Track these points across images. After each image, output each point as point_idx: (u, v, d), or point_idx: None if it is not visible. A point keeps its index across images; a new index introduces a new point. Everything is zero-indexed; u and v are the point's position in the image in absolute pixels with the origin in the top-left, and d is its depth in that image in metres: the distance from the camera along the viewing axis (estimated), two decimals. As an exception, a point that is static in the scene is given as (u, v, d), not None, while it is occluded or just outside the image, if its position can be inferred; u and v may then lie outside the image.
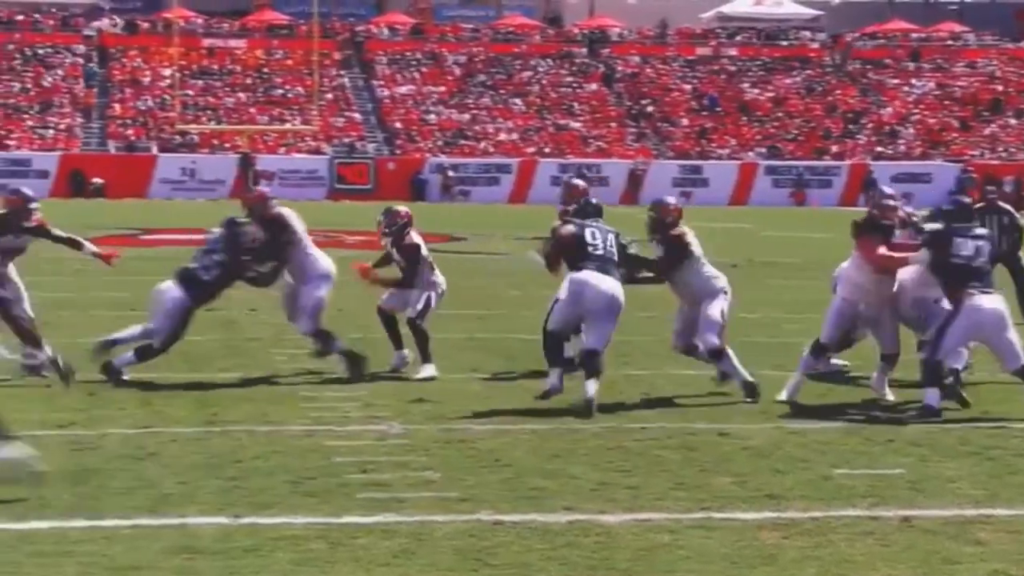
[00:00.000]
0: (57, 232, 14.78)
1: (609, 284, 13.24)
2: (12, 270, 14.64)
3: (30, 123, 65.29)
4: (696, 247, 13.82)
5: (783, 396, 13.37)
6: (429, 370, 14.58)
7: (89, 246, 14.99)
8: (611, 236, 13.61)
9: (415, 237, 15.05)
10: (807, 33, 79.86)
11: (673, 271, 13.76)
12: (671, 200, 14.36)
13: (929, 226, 13.65)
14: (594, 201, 14.33)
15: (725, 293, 13.79)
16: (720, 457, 10.95)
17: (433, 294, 14.94)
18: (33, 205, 14.60)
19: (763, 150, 67.96)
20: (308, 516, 8.96)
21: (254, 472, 10.18)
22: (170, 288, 14.36)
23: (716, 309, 13.63)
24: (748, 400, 13.34)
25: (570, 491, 9.79)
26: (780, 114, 71.39)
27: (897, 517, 9.15)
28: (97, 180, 59.94)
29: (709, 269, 13.90)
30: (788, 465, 10.66)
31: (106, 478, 9.96)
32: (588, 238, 13.45)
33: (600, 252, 13.38)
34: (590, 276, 13.21)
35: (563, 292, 13.29)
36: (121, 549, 8.19)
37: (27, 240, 14.54)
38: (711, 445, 11.39)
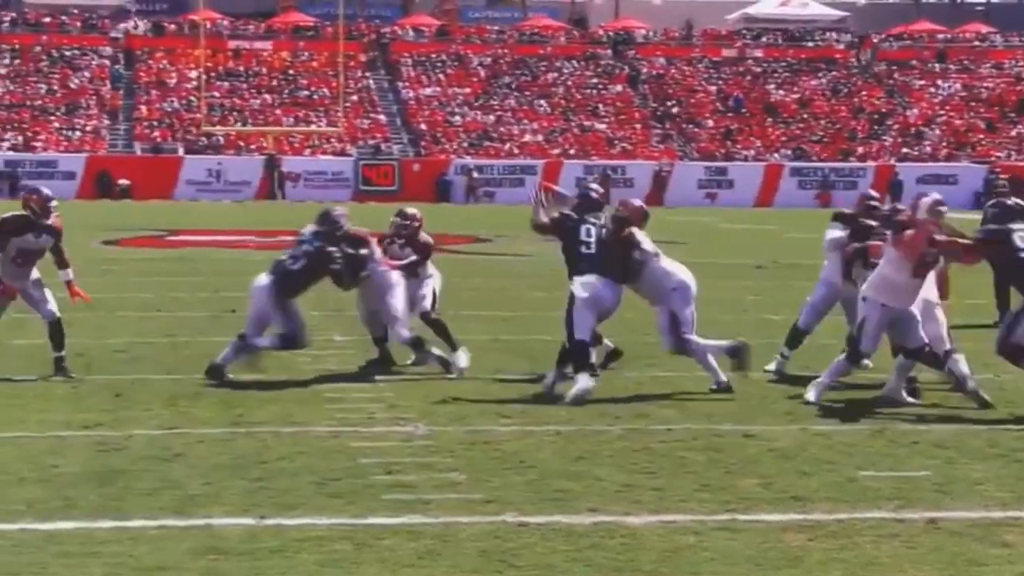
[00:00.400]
0: (62, 244, 14.77)
1: (616, 290, 13.72)
2: (35, 273, 14.67)
3: (57, 125, 65.52)
4: (647, 246, 13.85)
5: (810, 397, 13.33)
6: (464, 358, 14.86)
7: (69, 274, 14.83)
8: (602, 232, 13.81)
9: (427, 237, 15.58)
10: (833, 34, 79.75)
11: (619, 268, 13.83)
12: (635, 201, 14.53)
13: (986, 227, 13.82)
14: (594, 196, 14.44)
15: (678, 290, 13.81)
16: (745, 459, 10.92)
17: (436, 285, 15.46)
18: (52, 204, 14.65)
19: (788, 152, 67.87)
20: (333, 517, 8.96)
21: (279, 473, 10.20)
22: (261, 280, 14.53)
23: (667, 312, 13.81)
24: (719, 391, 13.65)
25: (595, 493, 9.78)
26: (805, 115, 71.29)
27: (923, 519, 9.12)
28: (123, 181, 60.14)
29: (666, 265, 13.94)
30: (813, 467, 10.63)
31: (132, 479, 9.98)
32: (583, 235, 13.64)
33: (592, 252, 13.60)
34: (599, 281, 13.56)
35: (579, 296, 13.46)
36: (147, 550, 8.20)
37: (47, 241, 14.56)
38: (736, 447, 11.37)
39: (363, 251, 14.86)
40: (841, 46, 78.13)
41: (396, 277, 14.91)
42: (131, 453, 10.84)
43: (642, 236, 13.96)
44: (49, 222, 14.51)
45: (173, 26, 74.15)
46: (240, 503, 9.30)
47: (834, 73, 75.28)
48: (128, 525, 8.74)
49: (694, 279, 14.10)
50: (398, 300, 14.78)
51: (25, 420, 12.09)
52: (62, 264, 14.79)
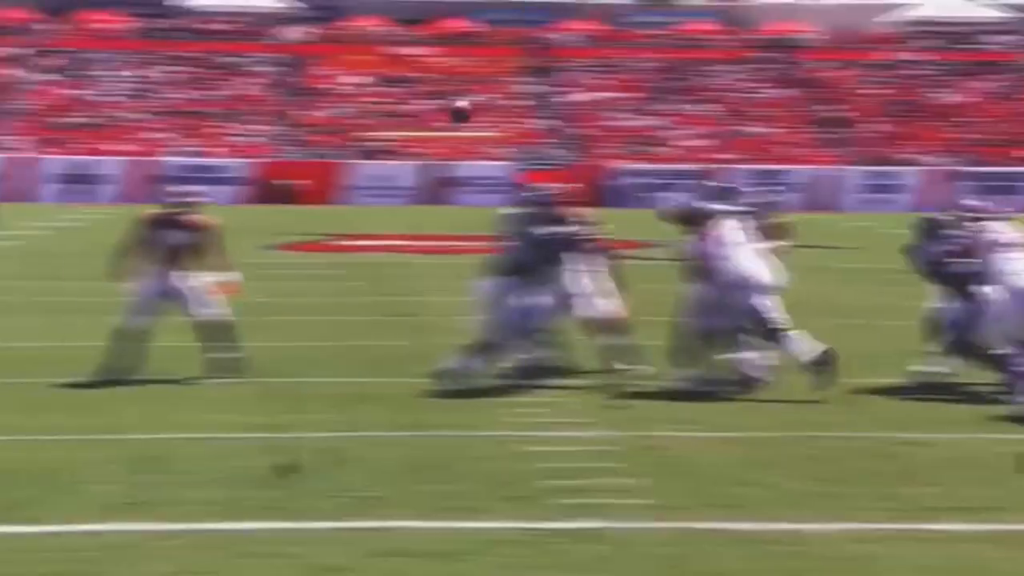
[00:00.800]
0: (215, 241, 14.86)
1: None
2: (193, 272, 14.80)
3: (222, 131, 66.59)
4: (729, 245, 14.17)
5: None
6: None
7: (220, 276, 14.83)
8: None
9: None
10: (999, 36, 78.40)
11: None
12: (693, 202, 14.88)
13: None
14: (726, 186, 14.68)
15: (748, 288, 13.96)
16: (924, 466, 10.75)
17: None
18: (191, 200, 14.88)
19: (953, 155, 66.87)
20: (510, 521, 8.99)
21: (456, 476, 10.24)
22: (490, 282, 14.55)
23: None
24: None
25: (769, 499, 9.70)
26: (970, 119, 70.18)
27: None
28: (290, 185, 60.87)
29: (741, 262, 14.09)
30: (999, 475, 10.42)
31: (309, 481, 10.08)
32: None
33: None
34: None
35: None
36: (325, 551, 8.29)
37: (187, 238, 14.69)
38: (914, 454, 11.20)
39: (576, 227, 14.79)
40: (1007, 48, 76.77)
41: (592, 262, 14.88)
42: (307, 455, 10.93)
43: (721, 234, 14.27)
44: (189, 219, 14.70)
45: (337, 32, 74.98)
46: (416, 505, 9.36)
47: (1000, 75, 74.01)
48: (308, 527, 8.83)
49: (772, 271, 14.18)
50: (590, 284, 14.72)
51: (204, 422, 12.27)
52: (212, 265, 14.81)
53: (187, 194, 15.07)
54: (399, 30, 75.33)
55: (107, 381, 14.09)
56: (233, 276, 14.92)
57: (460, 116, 14.44)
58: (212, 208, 15.23)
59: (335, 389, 14.01)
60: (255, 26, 75.77)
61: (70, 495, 9.63)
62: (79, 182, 58.74)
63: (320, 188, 61.13)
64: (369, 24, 70.57)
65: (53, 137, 63.26)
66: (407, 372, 14.91)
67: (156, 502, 9.38)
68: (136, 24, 73.73)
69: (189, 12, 77.61)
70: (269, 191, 60.90)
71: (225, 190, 55.81)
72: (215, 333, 14.70)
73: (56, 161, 60.16)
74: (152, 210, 15.02)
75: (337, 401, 13.35)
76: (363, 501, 9.49)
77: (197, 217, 14.87)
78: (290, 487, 9.85)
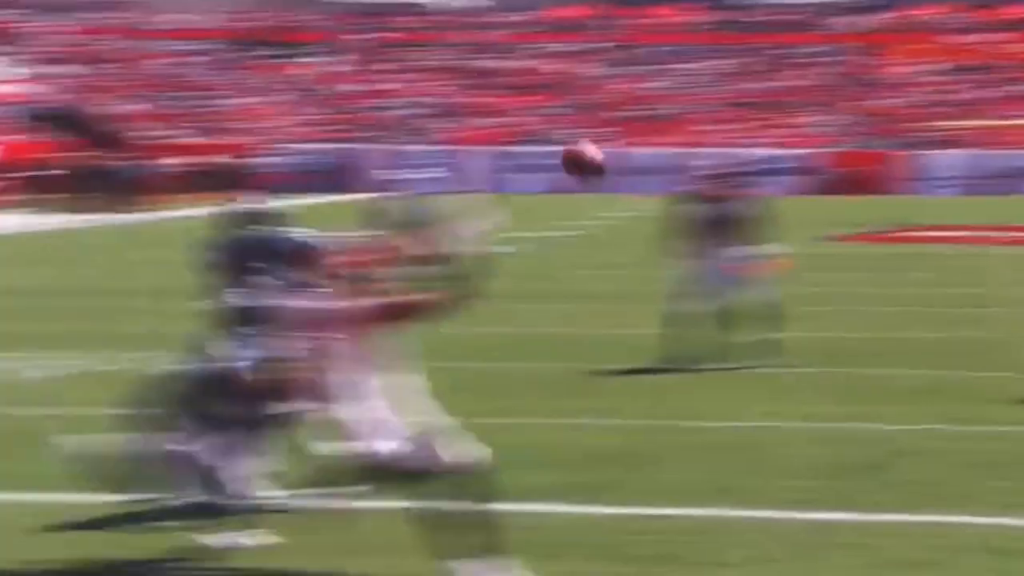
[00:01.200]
0: (765, 214, 14.67)
1: None
2: (739, 251, 14.62)
3: (785, 121, 66.72)
4: None
5: None
6: None
7: (776, 251, 14.70)
8: None
9: None
10: None
11: None
12: None
13: None
14: None
15: None
16: None
17: None
18: (729, 175, 14.84)
19: None
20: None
21: (1030, 473, 9.97)
22: None
23: None
24: None
25: None
26: None
27: None
28: (854, 175, 60.32)
29: None
30: None
31: (881, 472, 9.97)
32: None
33: None
34: None
35: None
36: (902, 544, 8.15)
37: (735, 213, 14.54)
38: None
39: None
40: None
41: None
42: (878, 447, 10.80)
43: None
44: (736, 193, 14.61)
45: (898, 20, 73.90)
46: (988, 502, 9.09)
47: None
48: (880, 519, 8.70)
49: None
50: None
51: (768, 411, 12.29)
52: (763, 239, 14.65)
53: (726, 170, 15.05)
54: (964, 16, 73.56)
55: (660, 368, 14.33)
56: (783, 251, 14.80)
57: (582, 167, 11.50)
58: (769, 198, 15.14)
59: (909, 382, 13.81)
60: (816, 16, 75.65)
61: (651, 478, 9.87)
62: (640, 173, 59.96)
63: (884, 178, 60.41)
64: (933, 12, 69.19)
65: (616, 130, 65.06)
66: (970, 365, 14.59)
67: (735, 488, 9.46)
68: (700, 17, 74.95)
69: (753, 5, 78.22)
70: (832, 181, 60.64)
71: (787, 180, 56.03)
72: (762, 316, 14.49)
73: (619, 154, 61.81)
74: (696, 188, 15.02)
75: (897, 393, 13.17)
76: (931, 496, 9.30)
77: (744, 191, 14.79)
78: (860, 479, 9.78)
